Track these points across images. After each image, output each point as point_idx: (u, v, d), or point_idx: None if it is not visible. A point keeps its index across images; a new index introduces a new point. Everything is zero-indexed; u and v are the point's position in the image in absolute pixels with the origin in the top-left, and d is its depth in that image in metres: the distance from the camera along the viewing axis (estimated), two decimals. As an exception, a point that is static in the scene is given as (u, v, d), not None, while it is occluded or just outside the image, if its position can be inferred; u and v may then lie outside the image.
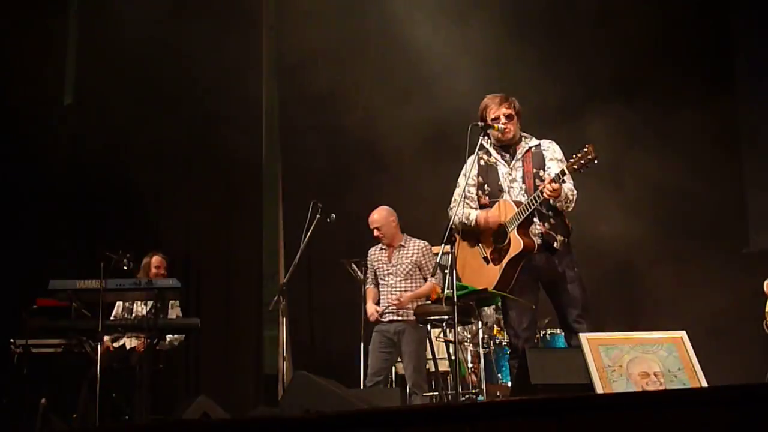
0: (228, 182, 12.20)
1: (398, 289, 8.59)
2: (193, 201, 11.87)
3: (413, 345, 8.48)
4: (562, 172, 5.85)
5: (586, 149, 5.75)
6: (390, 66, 10.97)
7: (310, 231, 8.29)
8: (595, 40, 10.38)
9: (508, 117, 6.32)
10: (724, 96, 10.33)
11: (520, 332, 6.18)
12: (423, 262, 8.64)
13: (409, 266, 8.61)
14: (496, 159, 6.38)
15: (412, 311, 8.40)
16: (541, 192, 5.90)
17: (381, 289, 8.75)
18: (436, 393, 8.82)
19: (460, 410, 3.16)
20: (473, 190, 6.40)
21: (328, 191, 9.90)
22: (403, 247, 8.70)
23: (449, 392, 8.65)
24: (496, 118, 6.33)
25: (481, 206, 6.38)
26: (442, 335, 8.80)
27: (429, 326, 8.50)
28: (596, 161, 5.74)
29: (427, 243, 8.73)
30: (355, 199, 10.13)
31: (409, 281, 8.62)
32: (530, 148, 6.35)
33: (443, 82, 9.94)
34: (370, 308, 8.70)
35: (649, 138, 9.80)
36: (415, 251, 8.65)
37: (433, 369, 8.87)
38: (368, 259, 8.92)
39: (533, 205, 5.97)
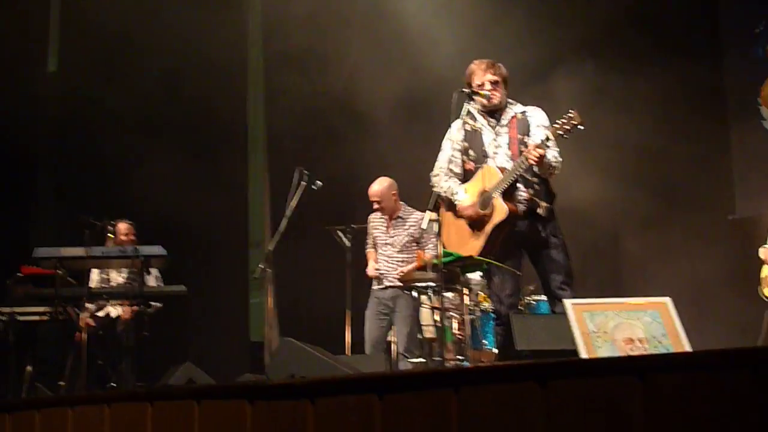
0: (213, 150, 12.15)
1: (395, 260, 8.68)
2: (179, 168, 11.81)
3: (409, 310, 8.54)
4: (547, 138, 5.83)
5: (570, 114, 5.74)
6: (375, 32, 10.90)
7: (295, 198, 8.28)
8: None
9: (494, 83, 6.30)
10: (710, 58, 10.35)
11: (503, 298, 6.19)
12: (419, 235, 8.68)
13: (407, 238, 8.70)
14: (481, 124, 6.36)
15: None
16: (526, 158, 5.88)
17: (379, 258, 8.83)
18: (423, 359, 8.84)
19: (445, 376, 3.17)
20: (458, 155, 6.38)
21: (315, 158, 9.87)
22: (402, 219, 8.75)
23: (435, 358, 8.67)
24: (481, 85, 6.31)
25: (466, 171, 6.36)
26: (427, 302, 8.83)
27: (416, 293, 8.55)
28: (581, 127, 5.73)
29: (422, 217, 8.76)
30: (342, 166, 10.12)
31: (405, 253, 8.70)
32: (516, 114, 6.33)
33: (427, 48, 9.88)
34: (369, 268, 8.82)
35: (634, 103, 9.78)
36: (413, 224, 8.70)
37: (419, 336, 8.90)
38: (368, 224, 8.97)
39: (518, 171, 5.96)
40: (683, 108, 9.52)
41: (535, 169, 6.02)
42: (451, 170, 6.37)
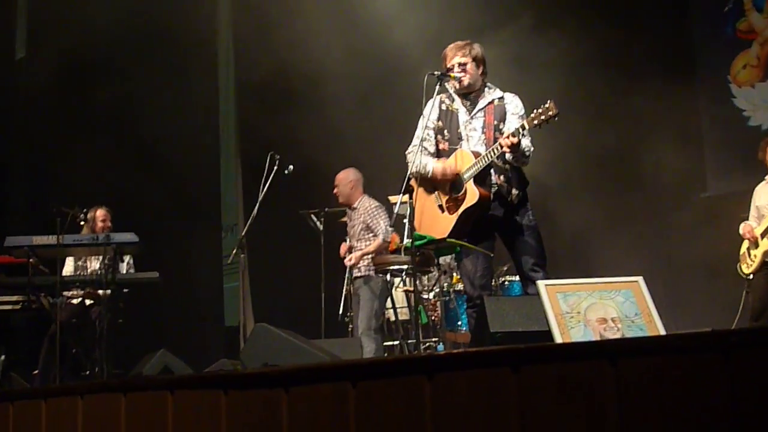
0: (185, 136, 12.10)
1: (356, 249, 8.80)
2: (150, 153, 11.78)
3: (365, 295, 8.71)
4: (522, 127, 5.81)
5: (547, 105, 5.72)
6: (344, 15, 10.88)
7: (268, 183, 8.28)
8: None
9: (461, 65, 6.27)
10: (680, 37, 10.38)
11: (474, 281, 6.19)
12: (369, 220, 8.86)
13: (360, 226, 8.84)
14: (458, 106, 6.34)
15: (364, 266, 8.75)
16: (500, 145, 5.88)
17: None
18: (397, 342, 8.88)
19: (418, 362, 3.17)
20: (432, 134, 6.35)
21: (287, 142, 9.84)
22: (356, 208, 8.88)
23: (410, 341, 8.70)
24: (451, 68, 6.29)
25: (439, 151, 6.34)
26: (401, 285, 8.86)
27: (389, 276, 8.59)
28: (556, 118, 5.72)
29: (372, 201, 8.88)
30: (314, 151, 10.10)
31: (362, 242, 8.88)
32: (493, 99, 6.30)
33: (399, 31, 9.84)
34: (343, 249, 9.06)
35: (604, 83, 9.79)
36: (363, 212, 8.86)
37: (393, 318, 8.94)
38: None
39: (491, 157, 5.95)
40: (654, 87, 9.53)
41: (508, 157, 6.00)
42: (425, 148, 6.34)
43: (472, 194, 6.02)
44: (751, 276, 8.08)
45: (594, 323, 4.62)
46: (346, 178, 8.96)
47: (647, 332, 4.62)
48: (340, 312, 8.99)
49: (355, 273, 8.83)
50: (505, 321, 5.31)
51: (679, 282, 9.28)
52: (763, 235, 7.99)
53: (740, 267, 8.20)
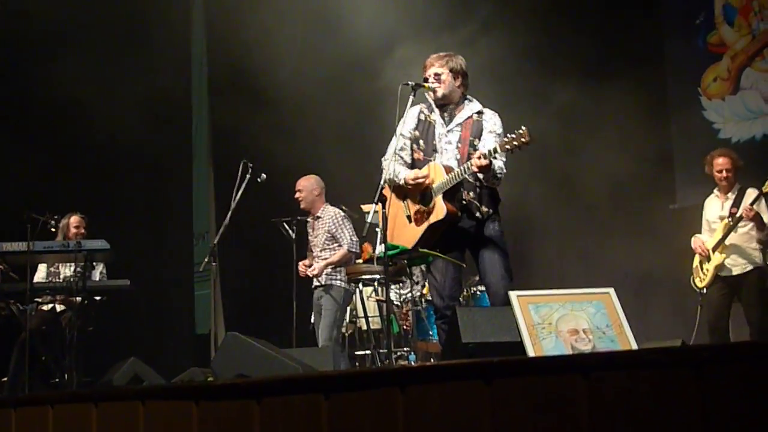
0: (157, 142, 12.07)
1: (320, 259, 8.80)
2: (122, 161, 11.74)
3: (328, 305, 8.72)
4: (495, 150, 5.79)
5: (521, 131, 5.70)
6: (318, 23, 10.89)
7: (240, 191, 8.28)
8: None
9: (437, 75, 6.27)
10: (652, 49, 10.46)
11: (442, 292, 6.18)
12: (334, 230, 8.85)
13: (325, 236, 8.81)
14: (436, 117, 6.33)
15: (326, 275, 8.76)
16: (471, 164, 5.87)
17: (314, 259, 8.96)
18: (369, 352, 8.88)
19: (391, 375, 3.17)
20: (408, 143, 6.34)
21: (259, 150, 9.83)
22: (320, 218, 8.87)
23: (381, 350, 8.70)
24: (428, 77, 6.29)
25: (414, 160, 6.33)
26: (374, 294, 8.87)
27: (361, 285, 8.61)
28: (528, 145, 5.72)
29: (338, 211, 8.90)
30: (287, 158, 10.09)
31: (327, 251, 8.86)
32: (472, 114, 6.27)
33: (376, 44, 9.83)
34: (301, 265, 8.94)
35: (576, 93, 9.83)
36: (327, 220, 8.84)
37: (365, 328, 8.95)
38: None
39: (461, 175, 5.95)
40: (625, 98, 9.58)
41: (480, 176, 6.00)
42: (400, 157, 6.34)
43: (439, 209, 6.02)
44: (705, 290, 8.16)
45: (565, 334, 4.64)
46: (311, 186, 8.93)
47: (618, 344, 4.64)
48: (312, 321, 8.99)
49: (316, 282, 8.82)
50: (477, 332, 5.32)
51: (649, 293, 9.33)
52: (714, 249, 8.06)
53: (693, 280, 8.27)
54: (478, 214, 6.09)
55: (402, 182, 6.24)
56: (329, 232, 8.80)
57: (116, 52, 11.40)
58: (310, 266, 8.83)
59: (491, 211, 6.14)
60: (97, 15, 11.21)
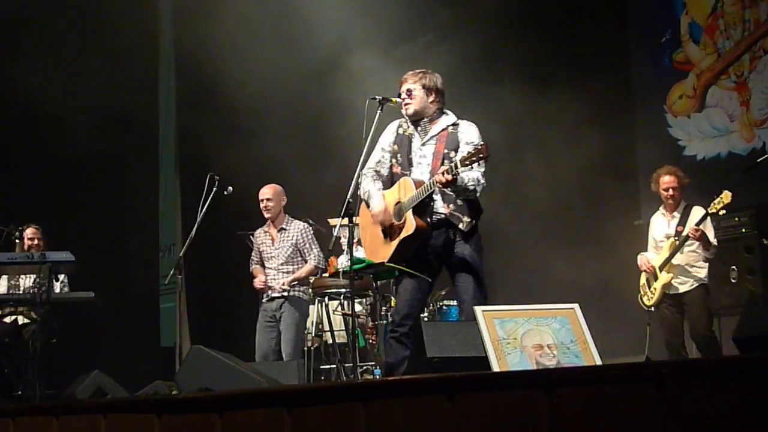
0: (124, 153, 12.01)
1: (281, 272, 8.72)
2: (88, 172, 11.67)
3: (293, 318, 8.66)
4: (455, 165, 5.79)
5: (479, 147, 5.72)
6: (285, 35, 10.88)
7: (207, 203, 8.26)
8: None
9: (408, 92, 6.28)
10: (618, 66, 10.55)
11: (400, 309, 6.18)
12: (302, 243, 8.81)
13: (290, 249, 8.76)
14: (412, 131, 6.34)
15: (293, 288, 8.69)
16: (435, 180, 5.88)
17: (267, 271, 8.84)
18: (334, 366, 8.86)
19: (353, 389, 3.17)
20: (387, 156, 6.35)
21: (226, 163, 9.80)
22: (285, 230, 8.82)
23: (347, 364, 8.69)
24: (400, 94, 6.30)
25: (393, 174, 6.33)
26: (339, 308, 8.86)
27: (327, 299, 8.59)
28: (486, 160, 5.75)
29: (306, 225, 8.85)
30: (254, 171, 10.07)
31: (291, 264, 8.78)
32: (447, 126, 6.28)
33: (341, 54, 9.84)
34: (256, 280, 8.82)
35: (542, 108, 9.88)
36: (295, 233, 8.79)
37: (330, 341, 8.93)
38: (255, 239, 9.01)
39: (428, 190, 5.95)
40: (591, 114, 9.64)
41: (447, 190, 6.00)
42: (377, 171, 6.34)
43: (409, 224, 6.02)
44: (653, 308, 8.22)
45: (530, 349, 4.65)
46: (279, 196, 8.81)
47: (582, 359, 4.66)
48: (259, 336, 8.91)
49: (274, 294, 8.71)
50: (442, 346, 5.34)
51: (614, 309, 9.37)
52: (661, 268, 8.12)
53: (641, 299, 8.32)
54: (461, 225, 6.08)
55: (370, 210, 6.26)
56: (296, 246, 8.75)
57: (82, 60, 11.31)
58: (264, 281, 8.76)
59: (474, 221, 6.14)
60: (63, 20, 11.13)
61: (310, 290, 8.85)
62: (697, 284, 8.08)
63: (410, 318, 6.13)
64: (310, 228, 8.88)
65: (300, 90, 10.44)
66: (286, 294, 8.67)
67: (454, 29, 10.11)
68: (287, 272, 8.74)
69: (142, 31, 11.87)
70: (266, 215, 8.80)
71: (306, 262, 8.79)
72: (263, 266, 8.89)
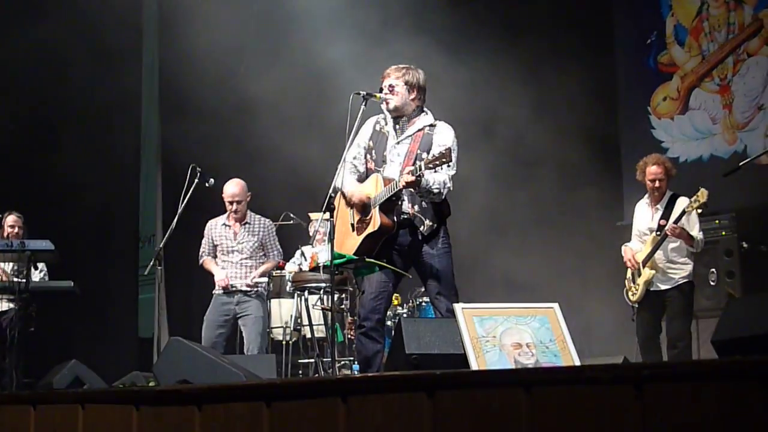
0: (105, 142, 11.98)
1: (244, 266, 8.65)
2: (68, 161, 11.62)
3: (259, 312, 8.65)
4: (419, 167, 5.79)
5: (443, 151, 5.73)
6: (270, 30, 10.87)
7: (188, 195, 8.23)
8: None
9: (391, 86, 6.27)
10: (603, 67, 10.56)
11: (365, 304, 6.20)
12: (266, 239, 8.80)
13: (256, 244, 8.71)
14: (389, 129, 6.33)
15: (258, 283, 8.69)
16: (400, 181, 5.89)
17: (222, 265, 8.75)
18: (313, 360, 8.85)
19: (333, 384, 3.17)
20: (363, 152, 6.36)
21: (208, 155, 9.79)
22: (249, 224, 8.77)
23: (325, 359, 8.68)
24: (382, 89, 6.29)
25: (367, 170, 6.34)
26: (319, 303, 8.85)
27: (306, 293, 8.59)
28: (450, 164, 5.77)
29: (269, 221, 8.84)
30: (235, 163, 10.05)
31: (255, 258, 8.75)
32: (424, 127, 6.27)
33: (322, 48, 9.81)
34: (221, 274, 8.69)
35: (527, 110, 9.89)
36: (261, 229, 8.78)
37: (309, 335, 8.92)
38: (209, 231, 8.88)
39: (394, 188, 5.95)
40: (577, 116, 9.67)
41: (414, 190, 6.01)
42: (355, 166, 6.35)
43: (374, 221, 6.04)
44: (637, 304, 8.16)
45: (509, 348, 4.65)
46: (245, 194, 8.74)
47: (561, 358, 4.66)
48: (218, 331, 8.84)
49: (242, 286, 8.64)
50: (421, 343, 5.34)
51: (593, 308, 9.38)
52: (644, 263, 8.05)
53: (627, 294, 8.25)
54: (422, 228, 6.09)
55: (346, 195, 6.26)
56: (261, 241, 8.71)
57: (65, 52, 11.26)
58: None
59: (435, 225, 6.13)
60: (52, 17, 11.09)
61: (271, 285, 8.86)
62: (682, 281, 8.00)
63: (376, 312, 6.15)
64: (272, 224, 8.88)
65: (290, 88, 10.41)
66: (249, 289, 8.63)
67: (451, 32, 10.12)
68: (250, 267, 8.68)
69: (127, 24, 11.82)
70: (234, 216, 8.72)
71: (266, 257, 8.79)
72: (214, 258, 8.82)
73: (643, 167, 8.15)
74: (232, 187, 8.71)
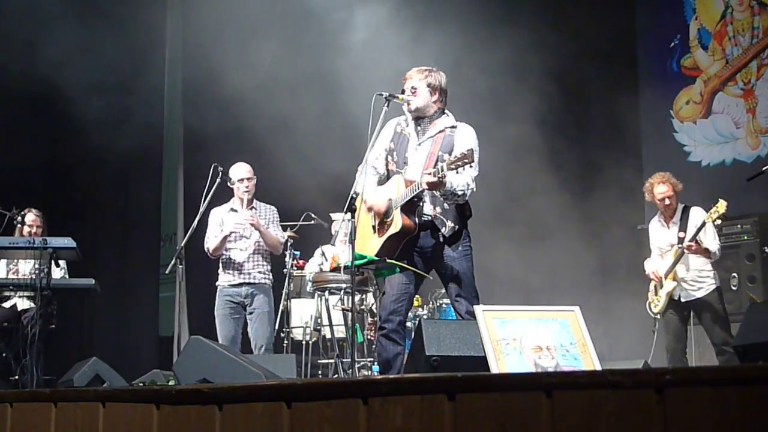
0: (128, 142, 11.99)
1: (255, 255, 8.58)
2: (91, 160, 11.66)
3: (268, 306, 8.56)
4: (441, 168, 5.78)
5: (466, 152, 5.72)
6: (293, 31, 10.87)
7: (210, 194, 8.23)
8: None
9: (412, 89, 6.27)
10: (626, 70, 10.54)
11: (386, 305, 6.19)
12: (272, 224, 8.71)
13: (264, 227, 8.56)
14: (410, 130, 6.33)
15: (261, 275, 8.58)
16: (421, 181, 5.88)
17: (230, 253, 8.62)
18: (333, 361, 8.85)
19: (354, 386, 3.16)
20: (384, 153, 6.36)
21: (230, 154, 9.79)
22: (255, 209, 8.68)
23: (345, 360, 8.68)
24: (404, 90, 6.29)
25: (388, 172, 6.34)
26: (339, 303, 8.85)
27: (327, 293, 8.58)
28: (471, 165, 5.75)
29: (275, 208, 8.76)
30: (258, 163, 10.07)
31: (261, 242, 8.59)
32: (444, 128, 6.27)
33: (345, 49, 9.81)
34: (241, 216, 8.57)
35: (551, 113, 9.87)
36: (268, 214, 8.72)
37: (329, 336, 8.92)
38: (216, 218, 8.70)
39: (416, 190, 5.95)
40: (598, 118, 9.64)
41: (436, 193, 6.00)
42: (375, 168, 6.36)
43: (396, 223, 6.04)
44: (659, 316, 8.20)
45: (529, 350, 4.64)
46: (253, 173, 8.68)
47: (581, 362, 4.66)
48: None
49: (240, 279, 8.55)
50: (441, 345, 5.34)
51: (614, 311, 9.36)
52: (666, 275, 8.11)
53: (649, 306, 8.30)
54: (443, 230, 6.09)
55: (367, 203, 6.26)
56: (268, 224, 8.63)
57: (89, 47, 11.29)
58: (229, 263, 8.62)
59: (456, 227, 6.13)
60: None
61: (291, 285, 8.85)
62: (711, 288, 8.06)
63: (397, 314, 6.13)
64: (277, 211, 8.82)
65: (306, 84, 10.42)
66: (255, 281, 8.54)
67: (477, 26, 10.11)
68: (255, 251, 8.58)
69: (150, 20, 11.85)
70: (247, 197, 8.59)
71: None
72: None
73: (651, 188, 8.27)
74: (242, 165, 8.65)
